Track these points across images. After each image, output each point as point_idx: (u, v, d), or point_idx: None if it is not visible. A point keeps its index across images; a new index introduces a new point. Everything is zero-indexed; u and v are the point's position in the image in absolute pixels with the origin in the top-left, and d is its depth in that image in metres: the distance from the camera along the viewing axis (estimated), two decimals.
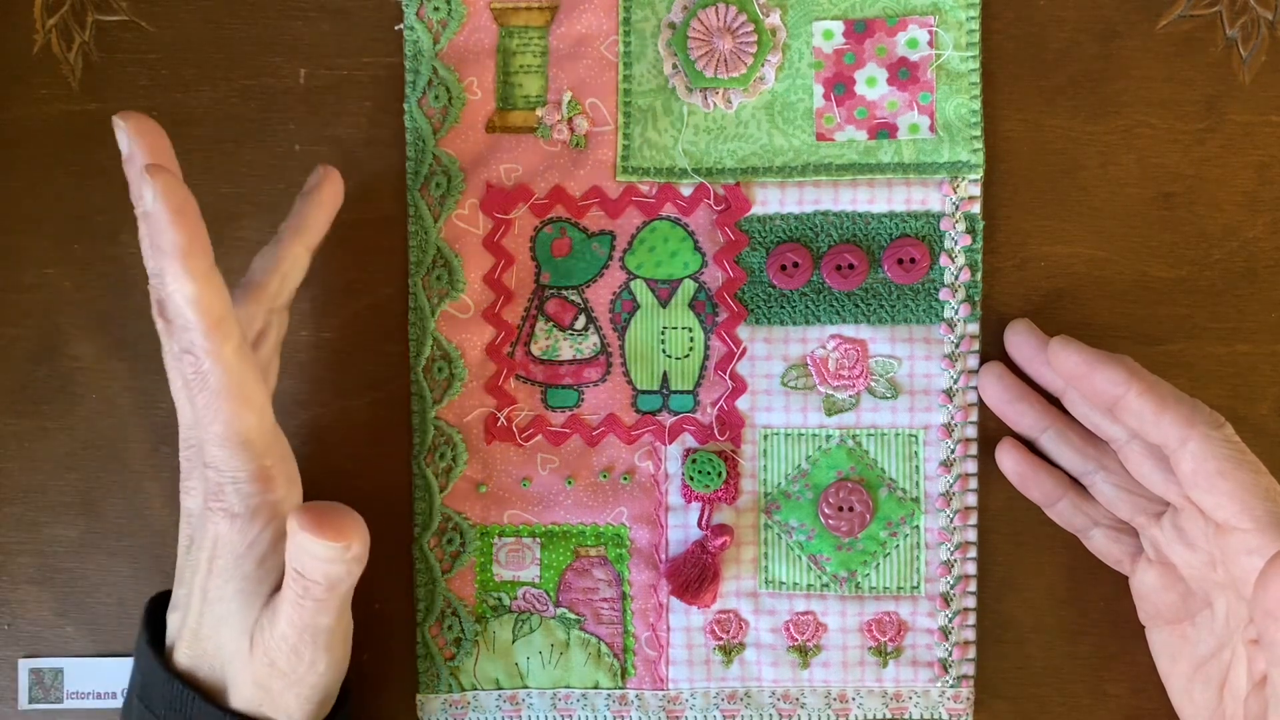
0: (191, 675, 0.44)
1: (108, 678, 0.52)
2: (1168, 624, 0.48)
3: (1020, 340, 0.50)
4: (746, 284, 0.51)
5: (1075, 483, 0.50)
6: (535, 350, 0.51)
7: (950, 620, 0.51)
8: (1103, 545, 0.49)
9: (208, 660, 0.44)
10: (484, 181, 0.51)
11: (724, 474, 0.50)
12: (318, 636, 0.42)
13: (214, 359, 0.40)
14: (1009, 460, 0.50)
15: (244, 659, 0.43)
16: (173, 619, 0.45)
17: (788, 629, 0.51)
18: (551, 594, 0.51)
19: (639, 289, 0.51)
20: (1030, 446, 0.50)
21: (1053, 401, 0.50)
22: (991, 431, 0.51)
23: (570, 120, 0.51)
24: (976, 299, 0.50)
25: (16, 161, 0.52)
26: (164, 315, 0.41)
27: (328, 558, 0.41)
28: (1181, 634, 0.47)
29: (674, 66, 0.50)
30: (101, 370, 0.52)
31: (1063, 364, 0.47)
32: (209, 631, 0.44)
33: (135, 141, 0.40)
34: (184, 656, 0.44)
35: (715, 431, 0.51)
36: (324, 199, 0.47)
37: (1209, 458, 0.43)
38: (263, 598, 0.43)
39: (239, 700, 0.43)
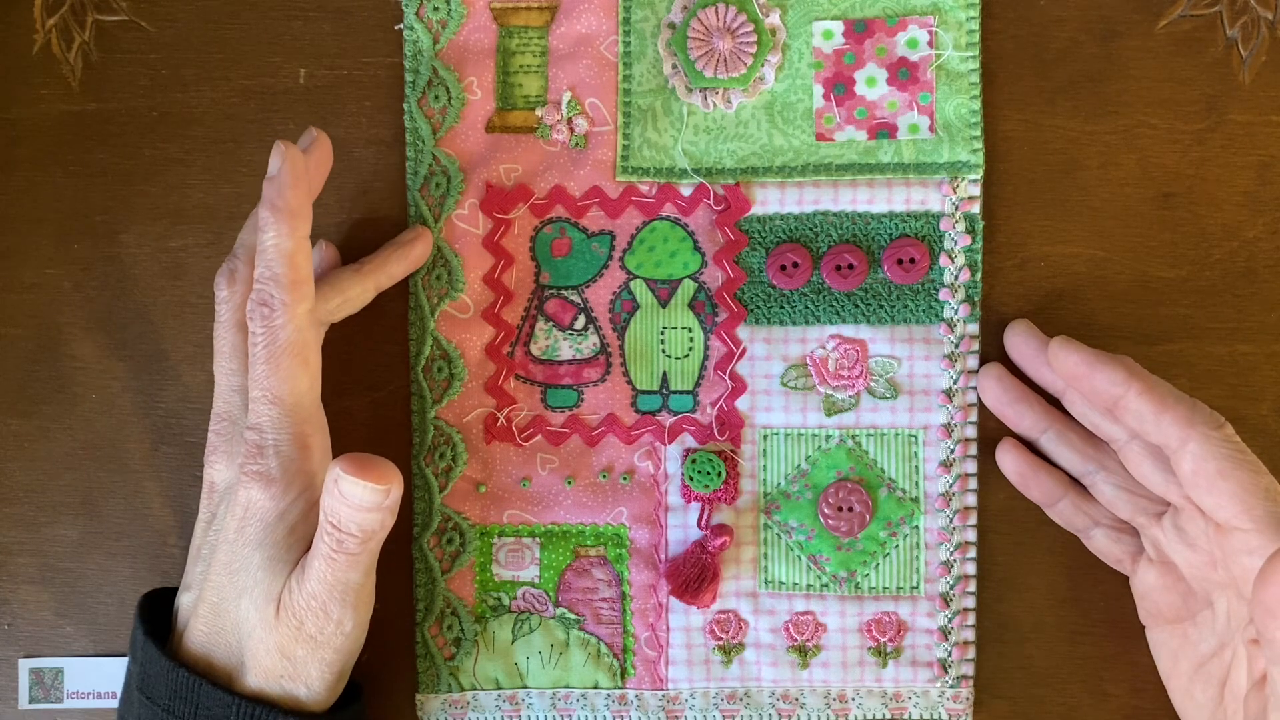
0: (205, 659, 0.44)
1: (108, 678, 0.52)
2: (1169, 623, 0.48)
3: (1020, 341, 0.49)
4: (746, 284, 0.51)
5: (1075, 483, 0.50)
6: (535, 350, 0.51)
7: (950, 620, 0.50)
8: (1103, 545, 0.49)
9: (224, 637, 0.44)
10: (484, 181, 0.51)
11: (723, 474, 0.50)
12: (346, 594, 0.43)
13: (288, 314, 0.43)
14: (1009, 460, 0.50)
15: (268, 627, 0.43)
16: (185, 599, 0.46)
17: (787, 629, 0.51)
18: (551, 594, 0.51)
19: (639, 289, 0.51)
20: (1030, 447, 0.50)
21: (1052, 402, 0.50)
22: (991, 431, 0.51)
23: (570, 120, 0.51)
24: (976, 299, 0.50)
25: (16, 161, 0.52)
26: (236, 279, 0.46)
27: (368, 503, 0.42)
28: (1182, 633, 0.47)
29: (674, 66, 0.50)
30: (101, 370, 0.52)
31: (1063, 364, 0.47)
32: (230, 605, 0.44)
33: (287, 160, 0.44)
34: (198, 635, 0.44)
35: (715, 431, 0.51)
36: (410, 256, 0.50)
37: (1209, 458, 0.43)
38: (290, 565, 0.44)
39: (257, 675, 0.44)
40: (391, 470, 0.42)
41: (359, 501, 0.42)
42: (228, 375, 0.46)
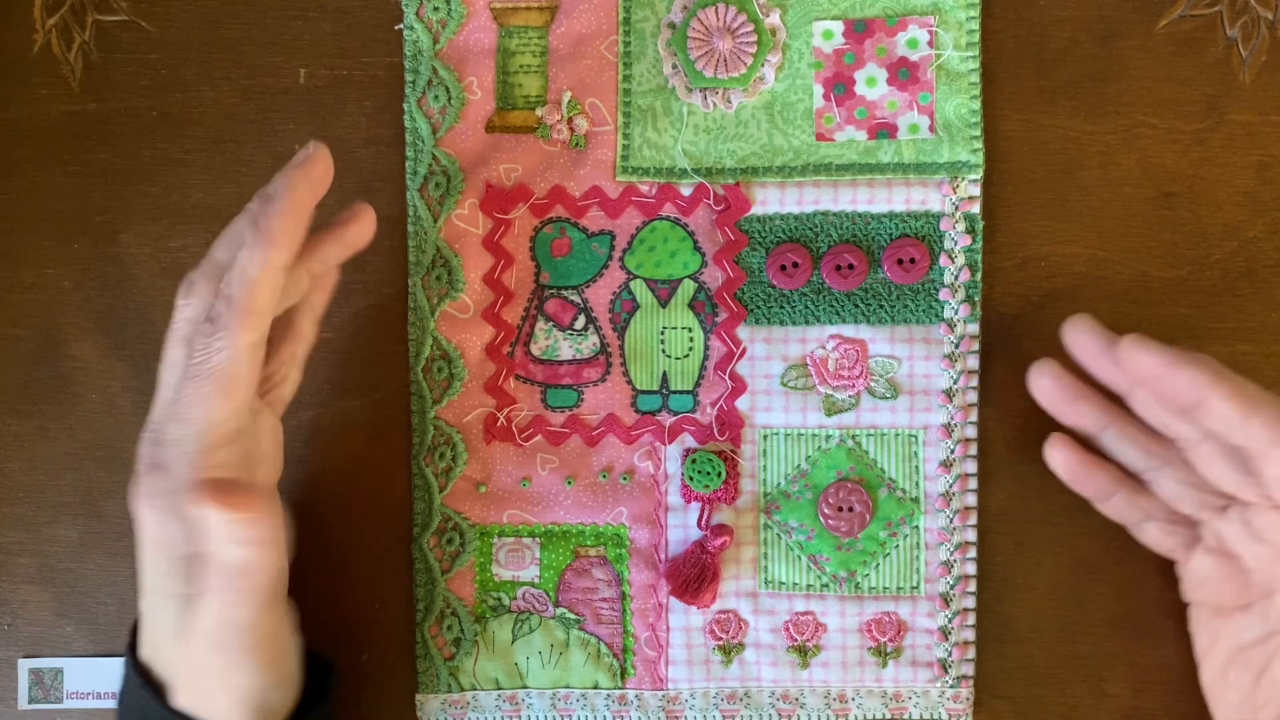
0: (149, 670, 0.44)
1: (108, 678, 0.52)
2: (1218, 608, 0.47)
3: (1085, 338, 0.47)
4: (746, 284, 0.51)
5: (1128, 476, 0.48)
6: (535, 350, 0.51)
7: (950, 620, 0.50)
8: (1156, 538, 0.48)
9: (159, 659, 0.44)
10: (484, 181, 0.51)
11: (723, 474, 0.50)
12: (241, 635, 0.42)
13: (229, 339, 0.41)
14: (1060, 458, 0.48)
15: (177, 657, 0.43)
16: (140, 608, 0.45)
17: (787, 629, 0.51)
18: (551, 594, 0.51)
19: (639, 289, 0.51)
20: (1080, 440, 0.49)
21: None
22: (992, 431, 0.51)
23: (570, 120, 0.51)
24: (976, 299, 0.50)
25: (16, 161, 0.52)
26: (192, 293, 0.43)
27: (232, 536, 0.40)
28: (1229, 616, 0.47)
29: (674, 66, 0.50)
30: (101, 370, 0.52)
31: (1138, 365, 0.44)
32: (150, 626, 0.44)
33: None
34: (144, 650, 0.44)
35: (715, 431, 0.51)
36: (345, 238, 0.46)
37: None
38: (188, 596, 0.42)
39: (181, 701, 0.43)
40: (257, 500, 0.41)
41: (225, 534, 0.40)
42: (165, 388, 0.44)
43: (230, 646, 0.42)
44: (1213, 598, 0.47)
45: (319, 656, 0.49)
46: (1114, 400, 0.48)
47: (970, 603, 0.51)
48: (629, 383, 0.51)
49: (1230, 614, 0.47)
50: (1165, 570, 0.50)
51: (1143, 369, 0.44)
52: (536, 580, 0.51)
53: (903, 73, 0.50)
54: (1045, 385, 0.47)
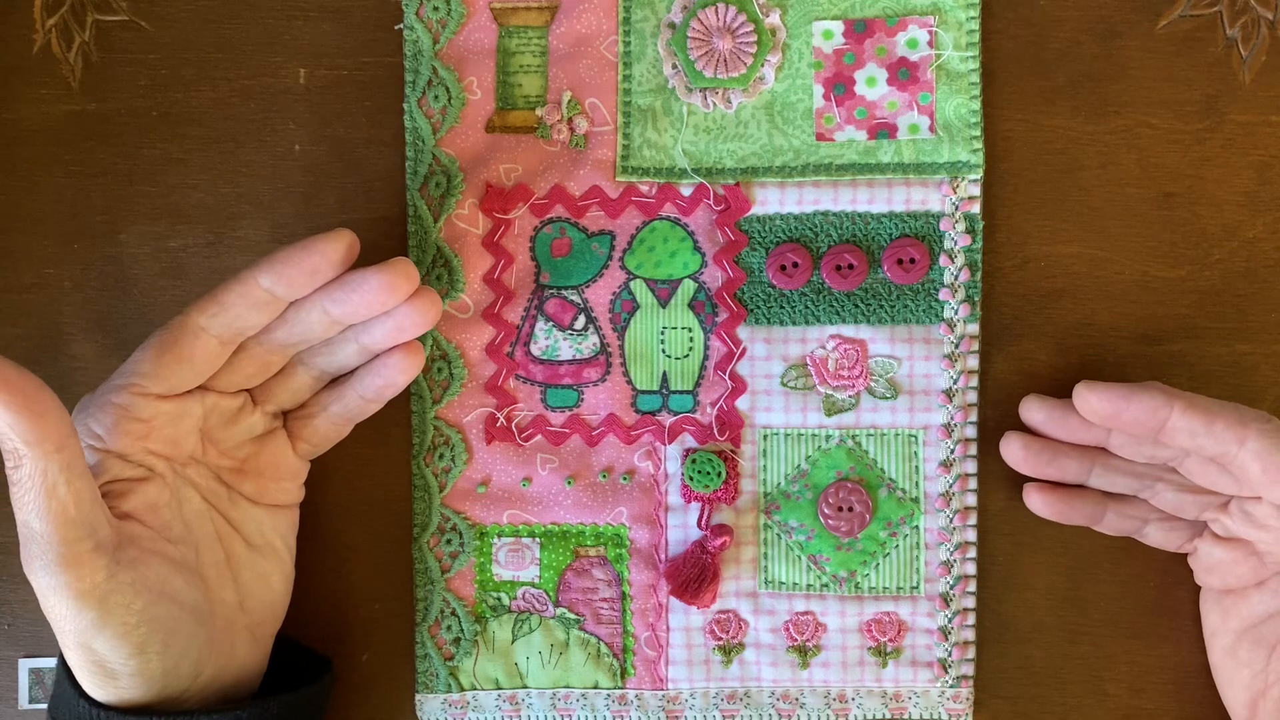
0: None
1: None
2: (1233, 587, 0.47)
3: (1039, 414, 0.48)
4: (746, 284, 0.51)
5: (1110, 494, 0.49)
6: (535, 350, 0.51)
7: (950, 620, 0.50)
8: (1160, 537, 0.48)
9: None
10: (484, 181, 0.51)
11: (723, 474, 0.50)
12: (35, 541, 0.39)
13: (191, 309, 0.44)
14: (1039, 502, 0.49)
15: None
16: None
17: (787, 629, 0.51)
18: (551, 594, 0.51)
19: (639, 289, 0.51)
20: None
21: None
22: (992, 432, 0.50)
23: (570, 120, 0.51)
24: (976, 299, 0.50)
25: (16, 161, 0.52)
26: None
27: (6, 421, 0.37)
28: (1242, 593, 0.47)
29: (674, 66, 0.50)
30: (101, 370, 0.52)
31: (1094, 406, 0.45)
32: None
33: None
34: None
35: (715, 431, 0.51)
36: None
37: (1274, 450, 0.43)
38: None
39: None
40: (37, 397, 0.37)
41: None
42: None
43: (31, 555, 0.39)
44: (1225, 580, 0.47)
45: (317, 654, 0.50)
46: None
47: (970, 603, 0.51)
48: (629, 383, 0.51)
49: (1244, 592, 0.47)
50: (1165, 570, 0.50)
51: (1100, 408, 0.45)
52: (536, 580, 0.51)
53: (903, 73, 0.50)
54: (1018, 456, 0.48)
